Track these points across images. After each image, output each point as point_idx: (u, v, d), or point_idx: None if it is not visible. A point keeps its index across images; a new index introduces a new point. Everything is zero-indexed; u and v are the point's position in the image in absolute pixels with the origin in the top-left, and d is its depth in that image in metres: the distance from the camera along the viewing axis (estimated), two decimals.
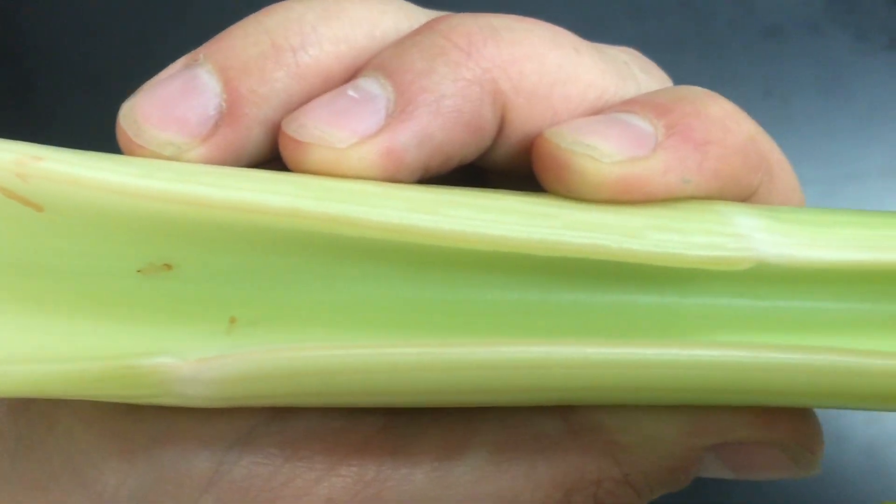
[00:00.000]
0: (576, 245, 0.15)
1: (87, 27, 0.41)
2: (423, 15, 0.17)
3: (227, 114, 0.16)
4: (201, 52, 0.16)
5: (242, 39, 0.16)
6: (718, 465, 0.17)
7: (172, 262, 0.16)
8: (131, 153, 0.16)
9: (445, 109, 0.15)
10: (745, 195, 0.16)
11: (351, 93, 0.16)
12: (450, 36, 0.16)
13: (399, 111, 0.15)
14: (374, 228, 0.15)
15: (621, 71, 0.17)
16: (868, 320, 0.16)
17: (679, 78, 0.42)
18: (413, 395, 0.15)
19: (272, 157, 0.16)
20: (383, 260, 0.16)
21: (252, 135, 0.16)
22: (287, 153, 0.15)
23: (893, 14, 0.42)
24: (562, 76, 0.16)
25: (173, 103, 0.16)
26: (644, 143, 0.15)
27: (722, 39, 0.42)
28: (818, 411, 0.17)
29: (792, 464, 0.17)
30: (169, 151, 0.15)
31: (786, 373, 0.15)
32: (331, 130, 0.15)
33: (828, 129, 0.41)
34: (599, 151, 0.15)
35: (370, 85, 0.16)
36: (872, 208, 0.42)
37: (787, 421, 0.16)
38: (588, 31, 0.42)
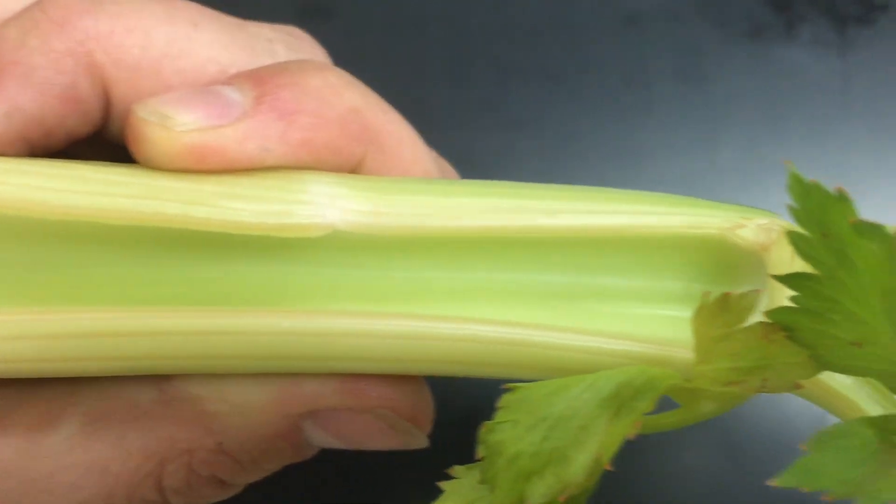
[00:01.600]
0: (138, 213, 0.15)
1: None
2: None
3: None
4: None
5: None
6: (322, 434, 0.17)
7: None
8: None
9: (35, 81, 0.16)
10: (349, 166, 0.17)
11: None
12: (47, 9, 0.16)
13: None
14: None
15: (256, 47, 0.18)
16: (477, 288, 0.17)
17: (539, 65, 0.42)
18: None
19: None
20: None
21: None
22: None
23: (753, 2, 0.42)
24: (172, 51, 0.17)
25: None
26: (227, 112, 0.16)
27: (582, 27, 0.42)
28: None
29: (391, 432, 0.17)
30: None
31: (354, 339, 0.15)
32: None
33: (687, 117, 0.41)
34: (174, 121, 0.15)
35: None
36: (731, 196, 0.42)
37: (379, 388, 0.16)
38: (448, 18, 0.42)
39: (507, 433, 0.14)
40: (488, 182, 0.17)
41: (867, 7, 0.41)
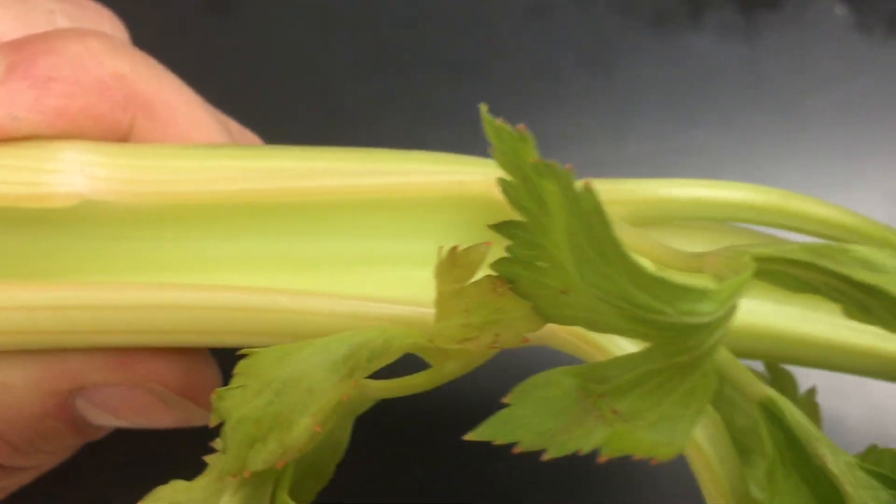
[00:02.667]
0: None
1: None
2: None
3: None
4: None
5: None
6: (96, 412, 0.16)
7: None
8: None
9: None
10: (116, 135, 0.16)
11: None
12: None
13: None
14: None
15: (32, 18, 0.17)
16: (243, 256, 0.16)
17: (447, 56, 0.42)
18: None
19: None
20: None
21: None
22: None
23: None
24: None
25: None
26: None
27: (489, 19, 0.42)
28: None
29: (166, 408, 0.16)
30: None
31: (101, 311, 0.15)
32: None
33: (595, 106, 0.41)
34: None
35: None
36: None
37: (146, 362, 0.16)
38: (354, 10, 0.41)
39: (235, 399, 0.13)
40: (254, 146, 0.16)
41: None
